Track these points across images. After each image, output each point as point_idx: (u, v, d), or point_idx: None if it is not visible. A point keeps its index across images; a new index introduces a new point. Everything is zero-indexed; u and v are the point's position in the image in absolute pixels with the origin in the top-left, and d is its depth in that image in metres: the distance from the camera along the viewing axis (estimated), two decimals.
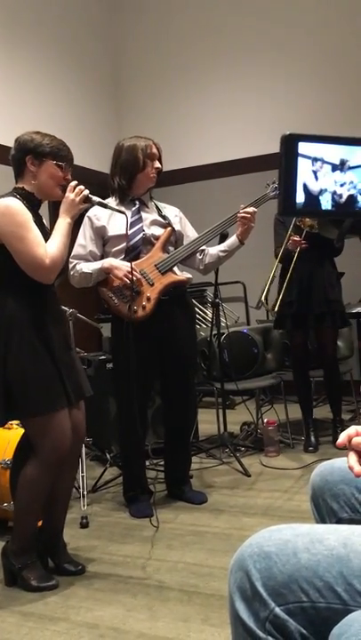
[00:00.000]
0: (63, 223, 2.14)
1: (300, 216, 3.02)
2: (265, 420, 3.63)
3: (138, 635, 1.78)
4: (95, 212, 2.77)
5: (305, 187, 0.80)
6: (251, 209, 2.81)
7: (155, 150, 2.78)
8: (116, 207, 2.38)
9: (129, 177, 2.75)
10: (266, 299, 3.48)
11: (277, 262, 3.50)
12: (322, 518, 1.18)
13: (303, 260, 3.42)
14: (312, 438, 3.63)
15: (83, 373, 2.28)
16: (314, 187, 0.81)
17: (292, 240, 3.38)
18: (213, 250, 2.92)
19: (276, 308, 3.44)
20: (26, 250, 2.04)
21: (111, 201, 2.80)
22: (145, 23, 6.12)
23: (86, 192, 2.17)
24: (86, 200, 2.17)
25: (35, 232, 2.06)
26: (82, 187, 2.16)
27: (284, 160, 0.80)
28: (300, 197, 0.81)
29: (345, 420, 3.78)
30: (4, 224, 2.04)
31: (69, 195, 2.14)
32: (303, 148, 0.80)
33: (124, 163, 2.76)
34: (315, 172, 0.80)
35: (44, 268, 2.05)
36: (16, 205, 2.07)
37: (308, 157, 0.80)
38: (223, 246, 2.91)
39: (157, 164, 2.79)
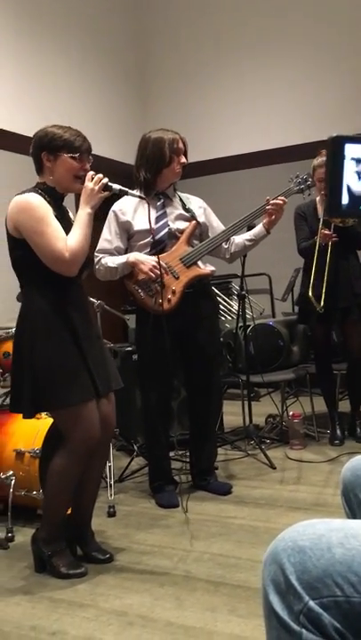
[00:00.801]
0: (83, 214, 2.12)
1: (346, 217, 2.99)
2: (290, 413, 3.62)
3: (166, 623, 1.80)
4: (120, 207, 2.78)
5: (348, 188, 0.80)
6: (281, 199, 2.80)
7: (181, 145, 2.78)
8: (137, 194, 2.31)
9: (155, 171, 2.75)
10: (312, 296, 3.39)
11: (316, 257, 3.42)
12: (353, 513, 1.18)
13: (328, 253, 3.38)
14: (338, 432, 3.61)
15: (112, 366, 2.29)
16: (357, 188, 0.80)
17: (322, 234, 3.35)
18: (239, 239, 2.92)
19: (322, 303, 3.35)
20: (46, 244, 2.05)
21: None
22: (172, 13, 6.09)
23: (105, 180, 2.13)
24: (106, 188, 2.14)
25: (54, 226, 2.07)
26: (100, 175, 2.13)
27: (331, 161, 0.79)
28: (345, 198, 0.81)
29: None
30: (24, 219, 2.06)
31: (88, 184, 2.12)
32: (349, 149, 0.80)
33: (150, 156, 2.75)
34: (358, 174, 0.80)
35: (64, 261, 2.06)
36: (35, 200, 2.08)
37: (354, 159, 0.80)
38: (249, 235, 2.91)
39: (183, 159, 2.79)
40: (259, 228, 2.88)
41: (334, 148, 0.81)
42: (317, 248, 3.38)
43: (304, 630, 0.82)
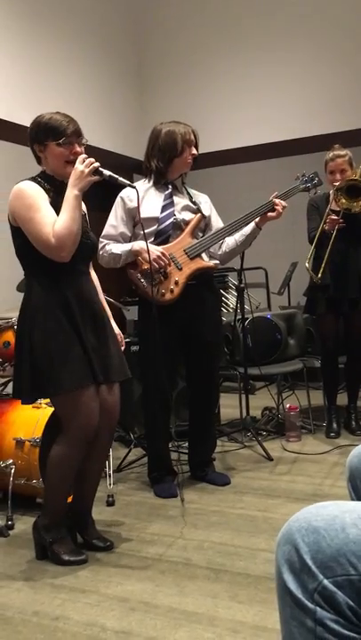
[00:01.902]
0: (70, 196, 2.08)
1: None
2: (287, 406, 3.65)
3: (167, 609, 1.82)
4: (128, 194, 2.77)
5: None
6: (284, 203, 2.85)
7: (192, 137, 2.80)
8: (127, 182, 2.23)
9: (167, 160, 2.77)
10: (310, 266, 3.43)
11: (314, 246, 3.46)
12: (359, 499, 1.20)
13: (337, 242, 3.39)
14: (334, 424, 3.64)
15: (118, 356, 2.28)
16: None
17: (329, 219, 3.37)
18: (230, 239, 2.92)
19: (319, 275, 3.39)
20: (34, 230, 2.05)
21: (143, 183, 2.83)
22: (170, 6, 6.07)
23: (97, 164, 2.09)
24: (96, 172, 2.10)
25: (43, 212, 2.06)
26: (92, 159, 2.10)
27: None
28: None
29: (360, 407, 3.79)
30: (17, 207, 2.07)
31: (78, 166, 2.09)
32: None
33: (163, 146, 2.76)
34: None
35: (50, 246, 2.05)
36: (28, 188, 2.08)
37: None
38: (239, 234, 2.91)
39: (194, 151, 2.81)
40: (250, 226, 2.88)
41: None
42: (318, 234, 3.40)
43: (318, 608, 0.84)
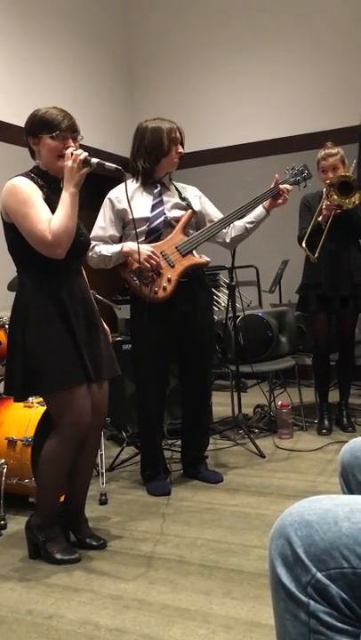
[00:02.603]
0: (66, 195, 2.08)
1: None
2: (279, 403, 3.66)
3: (161, 606, 1.83)
4: (116, 195, 2.77)
5: None
6: (289, 186, 2.89)
7: (178, 135, 2.78)
8: (114, 166, 2.15)
9: (153, 160, 2.75)
10: (306, 245, 3.42)
11: (305, 241, 3.44)
12: (351, 494, 1.21)
13: (329, 240, 3.41)
14: (326, 421, 3.66)
15: (109, 353, 2.29)
16: None
17: (325, 205, 3.36)
18: (240, 222, 2.92)
19: (316, 255, 3.38)
20: (29, 227, 2.04)
21: (131, 183, 2.80)
22: (159, 7, 6.06)
23: (83, 155, 2.07)
24: (85, 163, 2.08)
25: (37, 208, 2.05)
26: (78, 151, 2.08)
27: None
28: None
29: (354, 404, 3.81)
30: (11, 203, 2.06)
31: (67, 163, 2.08)
32: None
33: (149, 146, 2.74)
34: None
35: (46, 243, 2.04)
36: (20, 183, 2.08)
37: None
38: (249, 217, 2.92)
39: (180, 149, 2.80)
40: (259, 210, 2.90)
41: None
42: (312, 227, 3.40)
43: (312, 601, 0.85)
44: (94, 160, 2.11)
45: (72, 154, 2.08)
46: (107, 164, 2.13)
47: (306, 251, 3.40)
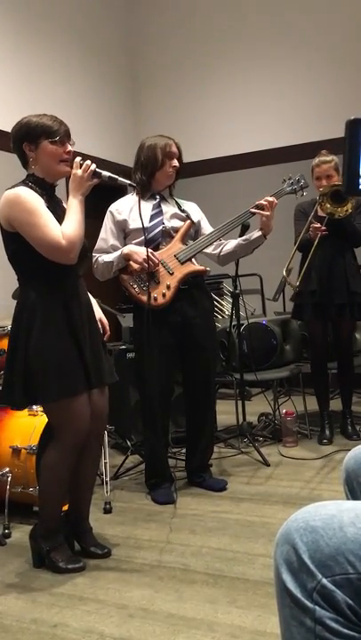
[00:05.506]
0: (74, 202, 2.11)
1: None
2: (283, 411, 3.65)
3: (166, 615, 1.82)
4: (117, 207, 2.85)
5: None
6: (270, 198, 2.84)
7: (174, 149, 2.85)
8: (127, 181, 2.24)
9: (149, 174, 2.84)
10: (288, 272, 3.46)
11: (295, 249, 3.49)
12: (356, 500, 1.21)
13: (324, 248, 3.42)
14: (327, 431, 3.64)
15: (107, 360, 2.29)
16: None
17: (312, 227, 3.39)
18: (233, 241, 2.94)
19: (298, 283, 3.41)
20: (40, 235, 2.05)
21: (132, 196, 2.90)
22: (163, 14, 6.11)
23: (93, 167, 2.11)
24: (95, 175, 2.12)
25: (45, 216, 2.06)
26: (89, 162, 2.12)
27: (348, 143, 0.83)
28: None
29: (355, 411, 3.79)
30: (16, 213, 2.07)
31: (77, 172, 2.10)
32: None
33: (145, 160, 2.84)
34: None
35: (61, 249, 2.05)
36: (24, 193, 2.08)
37: None
38: (242, 239, 2.92)
39: (175, 163, 2.85)
40: (255, 233, 2.89)
41: (351, 130, 0.85)
42: (299, 240, 3.43)
43: (317, 607, 0.84)
44: (105, 173, 2.14)
45: (82, 164, 2.11)
46: (119, 179, 2.17)
47: (287, 279, 3.44)
